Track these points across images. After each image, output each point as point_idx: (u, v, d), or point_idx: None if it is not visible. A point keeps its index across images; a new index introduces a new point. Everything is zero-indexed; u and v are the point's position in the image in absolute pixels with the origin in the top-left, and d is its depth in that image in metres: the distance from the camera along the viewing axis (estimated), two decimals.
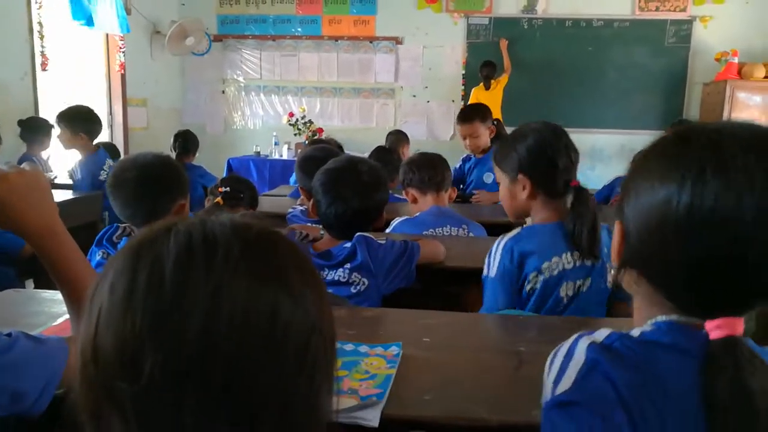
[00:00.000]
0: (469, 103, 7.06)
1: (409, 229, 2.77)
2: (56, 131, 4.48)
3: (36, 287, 3.55)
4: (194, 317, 0.56)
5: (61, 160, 5.44)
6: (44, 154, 5.22)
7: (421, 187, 2.92)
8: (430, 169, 2.93)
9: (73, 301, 1.17)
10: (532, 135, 1.89)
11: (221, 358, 0.56)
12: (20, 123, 5.02)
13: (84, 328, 0.61)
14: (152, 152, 2.08)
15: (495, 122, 4.35)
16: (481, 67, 7.32)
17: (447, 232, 2.81)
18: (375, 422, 1.11)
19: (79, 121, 4.39)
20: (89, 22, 6.09)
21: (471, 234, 2.83)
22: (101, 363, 0.58)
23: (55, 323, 1.55)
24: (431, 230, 2.78)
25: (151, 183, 1.96)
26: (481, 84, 7.26)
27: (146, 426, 0.57)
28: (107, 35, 6.93)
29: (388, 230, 2.77)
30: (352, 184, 2.00)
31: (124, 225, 2.04)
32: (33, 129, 5.05)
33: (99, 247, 1.98)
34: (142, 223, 1.97)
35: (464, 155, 4.48)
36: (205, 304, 0.57)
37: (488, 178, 4.16)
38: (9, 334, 1.02)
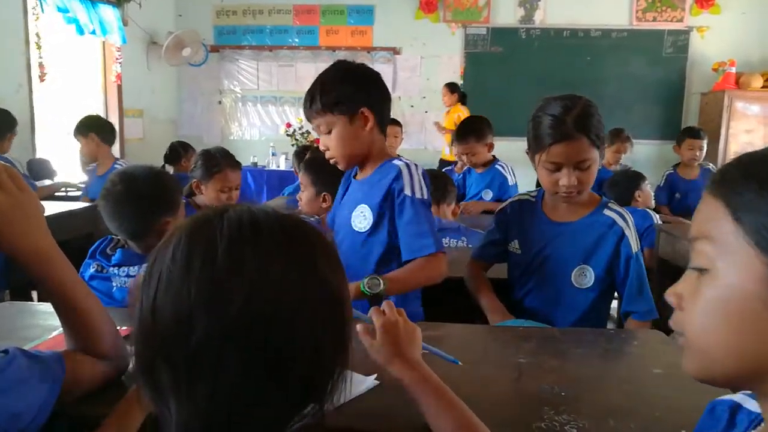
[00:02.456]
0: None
1: None
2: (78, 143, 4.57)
3: (12, 299, 3.54)
4: (240, 289, 0.66)
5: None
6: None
7: None
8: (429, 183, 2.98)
9: (68, 320, 1.14)
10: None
11: (260, 324, 0.67)
12: None
13: (144, 291, 0.70)
14: (145, 166, 2.02)
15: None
16: (447, 89, 7.24)
17: (446, 243, 2.82)
18: None
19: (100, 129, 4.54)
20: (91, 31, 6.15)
21: (470, 246, 2.83)
22: (159, 323, 0.68)
23: (50, 336, 1.53)
24: None
25: (135, 200, 1.90)
26: (456, 104, 7.16)
27: (191, 380, 0.67)
28: (104, 46, 6.93)
29: None
30: None
31: (117, 237, 2.01)
32: None
33: (92, 260, 1.95)
34: (129, 238, 1.95)
35: (466, 168, 4.46)
36: (250, 278, 0.67)
37: (487, 194, 4.15)
38: (5, 351, 1.00)
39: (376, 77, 1.95)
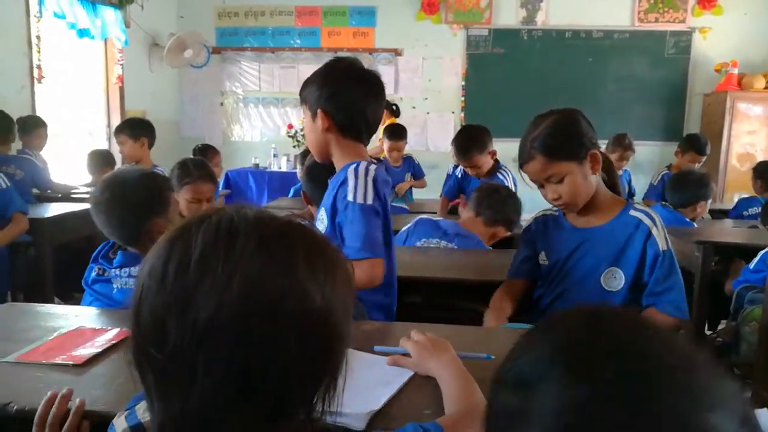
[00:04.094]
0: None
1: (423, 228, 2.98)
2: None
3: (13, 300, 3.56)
4: (210, 299, 0.67)
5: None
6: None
7: None
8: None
9: None
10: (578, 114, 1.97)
11: (228, 334, 0.67)
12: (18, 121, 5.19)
13: (132, 299, 0.72)
14: (132, 169, 2.08)
15: None
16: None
17: (435, 243, 2.92)
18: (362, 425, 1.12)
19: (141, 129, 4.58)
20: (93, 33, 6.17)
21: (450, 245, 2.89)
22: (141, 329, 0.70)
23: (51, 338, 1.53)
24: (423, 240, 2.94)
25: (122, 207, 1.93)
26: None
27: (167, 383, 0.69)
28: (106, 48, 6.94)
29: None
30: None
31: None
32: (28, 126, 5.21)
33: (95, 263, 1.98)
34: (123, 243, 1.98)
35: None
36: (220, 288, 0.67)
37: None
38: None
39: (353, 80, 1.94)
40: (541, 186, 1.97)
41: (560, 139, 1.89)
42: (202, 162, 3.08)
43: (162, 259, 0.70)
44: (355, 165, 1.89)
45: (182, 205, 2.87)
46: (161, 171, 4.44)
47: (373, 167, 1.90)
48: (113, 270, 1.93)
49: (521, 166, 1.98)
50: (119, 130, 4.58)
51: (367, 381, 1.28)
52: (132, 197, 1.95)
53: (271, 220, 0.75)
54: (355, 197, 1.83)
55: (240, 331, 0.67)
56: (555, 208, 2.11)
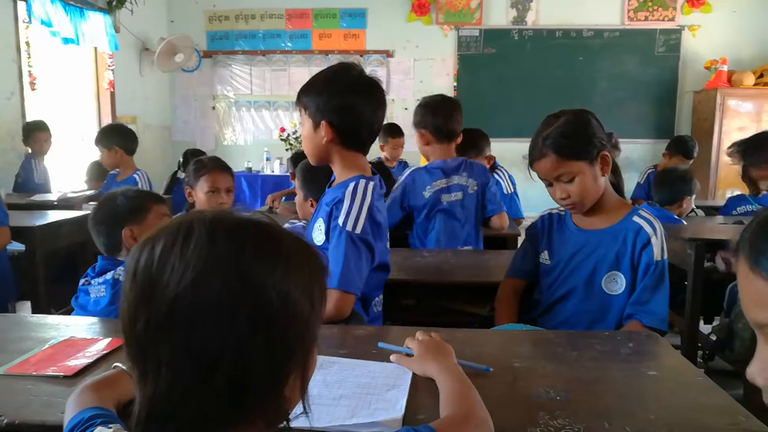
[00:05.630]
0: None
1: (428, 177, 3.16)
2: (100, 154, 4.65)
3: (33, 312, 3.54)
4: (168, 290, 0.72)
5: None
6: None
7: (435, 134, 3.18)
8: (443, 117, 3.17)
9: None
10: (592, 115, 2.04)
11: (183, 321, 0.72)
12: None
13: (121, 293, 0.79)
14: (109, 192, 2.25)
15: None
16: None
17: (457, 182, 3.17)
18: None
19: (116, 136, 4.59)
20: (77, 40, 6.13)
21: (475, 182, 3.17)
22: (123, 317, 0.76)
23: (42, 348, 1.52)
24: (446, 179, 3.16)
25: (95, 225, 2.12)
26: None
27: (142, 372, 0.75)
28: (96, 53, 6.92)
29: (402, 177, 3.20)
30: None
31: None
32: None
33: (84, 277, 2.04)
34: (107, 254, 2.12)
35: None
36: (176, 280, 0.72)
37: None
38: None
39: (362, 93, 1.87)
40: (549, 185, 1.98)
41: (573, 139, 1.90)
42: (216, 157, 3.25)
43: (135, 257, 0.77)
44: (353, 184, 1.83)
45: (201, 198, 2.99)
46: (141, 175, 4.48)
47: (371, 186, 1.85)
48: (94, 279, 2.01)
49: (531, 164, 1.98)
50: (96, 142, 4.62)
51: (371, 387, 1.28)
52: (98, 217, 2.12)
53: (225, 218, 0.79)
54: (345, 222, 1.78)
55: (193, 320, 0.72)
56: (562, 208, 2.12)
